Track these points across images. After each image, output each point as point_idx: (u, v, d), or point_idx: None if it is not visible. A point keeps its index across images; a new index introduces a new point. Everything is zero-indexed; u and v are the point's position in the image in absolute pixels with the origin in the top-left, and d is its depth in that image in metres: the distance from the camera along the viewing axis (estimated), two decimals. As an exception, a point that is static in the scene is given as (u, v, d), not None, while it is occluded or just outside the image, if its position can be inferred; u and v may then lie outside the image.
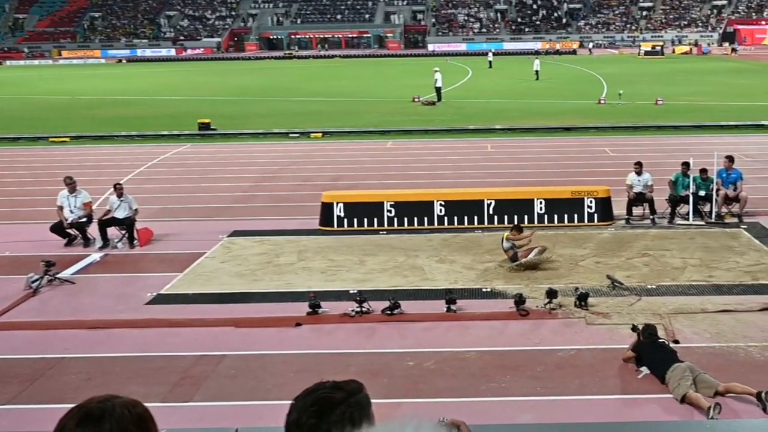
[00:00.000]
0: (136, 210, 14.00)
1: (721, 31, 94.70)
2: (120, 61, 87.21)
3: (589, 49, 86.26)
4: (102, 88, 48.64)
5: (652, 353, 8.23)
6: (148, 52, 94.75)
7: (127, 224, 13.80)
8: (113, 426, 1.83)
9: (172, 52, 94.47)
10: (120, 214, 13.84)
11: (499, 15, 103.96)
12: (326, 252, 13.18)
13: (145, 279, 12.02)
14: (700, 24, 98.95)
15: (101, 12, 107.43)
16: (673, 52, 79.09)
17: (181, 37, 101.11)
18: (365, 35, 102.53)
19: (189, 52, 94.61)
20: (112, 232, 13.92)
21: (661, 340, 8.47)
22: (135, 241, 13.74)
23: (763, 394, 7.40)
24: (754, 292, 10.84)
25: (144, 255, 13.44)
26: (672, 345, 8.53)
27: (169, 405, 7.77)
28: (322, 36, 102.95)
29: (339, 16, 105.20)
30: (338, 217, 14.59)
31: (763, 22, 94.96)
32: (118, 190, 14.01)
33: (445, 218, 14.55)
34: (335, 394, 1.95)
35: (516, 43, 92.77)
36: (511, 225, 12.91)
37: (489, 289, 11.17)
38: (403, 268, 12.25)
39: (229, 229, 14.73)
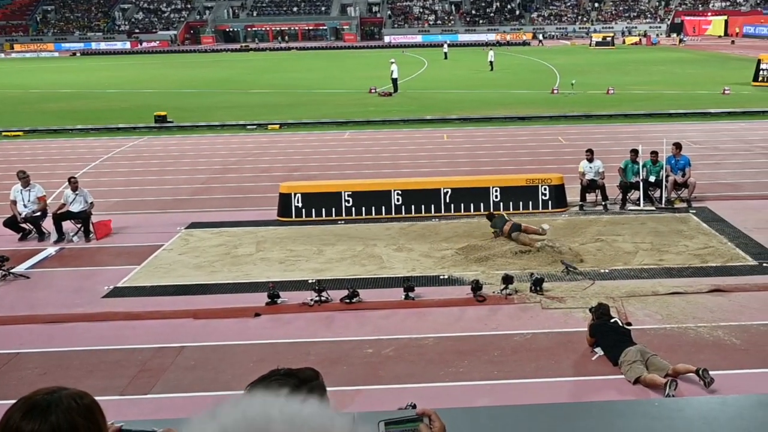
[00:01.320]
0: (91, 203, 13.81)
1: (669, 23, 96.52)
2: (74, 54, 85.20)
3: (539, 41, 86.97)
4: (56, 82, 47.53)
5: (605, 334, 8.44)
6: (103, 45, 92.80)
7: (82, 218, 13.60)
8: (60, 418, 1.81)
9: (127, 45, 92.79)
10: (75, 207, 13.64)
11: (453, 7, 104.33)
12: (284, 242, 13.18)
13: (102, 272, 11.88)
14: (649, 15, 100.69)
15: (54, 5, 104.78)
16: (624, 42, 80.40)
17: (136, 30, 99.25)
18: (321, 27, 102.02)
19: (144, 45, 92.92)
20: (68, 225, 13.72)
21: (613, 320, 8.67)
22: (91, 235, 13.55)
23: (700, 371, 7.64)
24: (704, 274, 11.15)
25: (100, 248, 13.25)
26: (624, 326, 8.74)
27: (127, 398, 7.74)
28: (278, 29, 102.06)
29: (295, 9, 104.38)
30: (296, 207, 14.59)
31: (709, 14, 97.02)
32: (73, 183, 13.77)
33: (403, 207, 14.65)
34: (288, 381, 1.95)
35: (471, 35, 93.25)
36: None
37: (446, 276, 11.31)
38: (361, 257, 12.32)
39: (186, 221, 14.62)
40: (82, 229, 13.63)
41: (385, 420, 1.96)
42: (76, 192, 13.71)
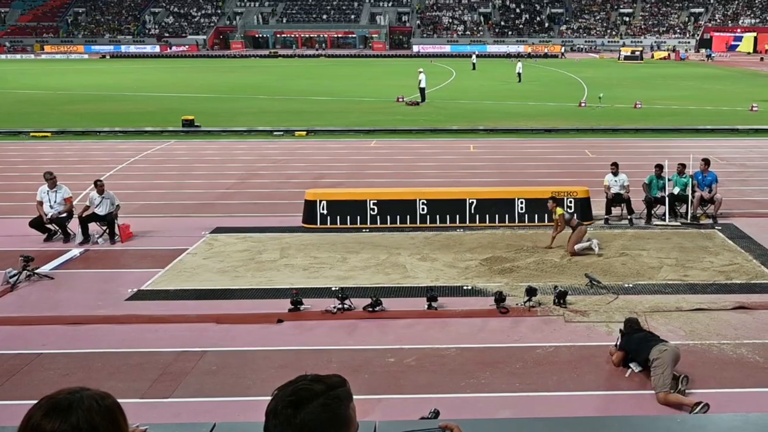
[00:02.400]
0: (117, 206, 13.94)
1: (698, 38, 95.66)
2: (103, 56, 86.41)
3: (562, 53, 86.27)
4: (85, 84, 48.26)
5: (638, 342, 8.27)
6: (132, 49, 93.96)
7: (108, 220, 13.74)
8: (81, 418, 1.81)
9: (157, 49, 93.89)
10: (101, 210, 13.78)
11: (482, 18, 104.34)
12: (309, 249, 13.21)
13: (126, 275, 11.97)
14: (678, 31, 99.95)
15: (85, 7, 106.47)
16: (652, 57, 79.85)
17: (166, 34, 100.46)
18: (351, 35, 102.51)
19: (174, 49, 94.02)
20: (93, 227, 13.87)
21: (644, 332, 8.55)
22: (116, 237, 13.69)
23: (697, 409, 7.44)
24: (728, 291, 11.02)
25: (125, 251, 13.38)
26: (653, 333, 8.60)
27: (148, 401, 7.77)
28: (307, 35, 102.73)
29: (324, 16, 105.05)
30: (321, 214, 14.63)
31: (739, 30, 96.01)
32: (99, 186, 13.91)
33: (428, 217, 14.63)
34: (314, 386, 1.95)
35: (499, 46, 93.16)
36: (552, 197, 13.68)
37: (470, 287, 11.27)
38: (385, 265, 12.31)
39: (211, 225, 14.72)
40: (108, 231, 13.76)
41: (408, 430, 2.02)
42: (102, 195, 13.84)
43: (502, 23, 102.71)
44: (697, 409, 7.29)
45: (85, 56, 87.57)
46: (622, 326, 8.72)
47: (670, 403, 7.60)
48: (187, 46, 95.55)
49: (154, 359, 8.81)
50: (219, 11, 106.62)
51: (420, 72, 37.96)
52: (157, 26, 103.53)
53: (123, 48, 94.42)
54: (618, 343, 8.53)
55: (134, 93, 42.60)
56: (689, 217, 14.90)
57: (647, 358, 7.99)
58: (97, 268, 12.44)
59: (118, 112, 33.43)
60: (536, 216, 14.63)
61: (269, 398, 2.01)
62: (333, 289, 11.00)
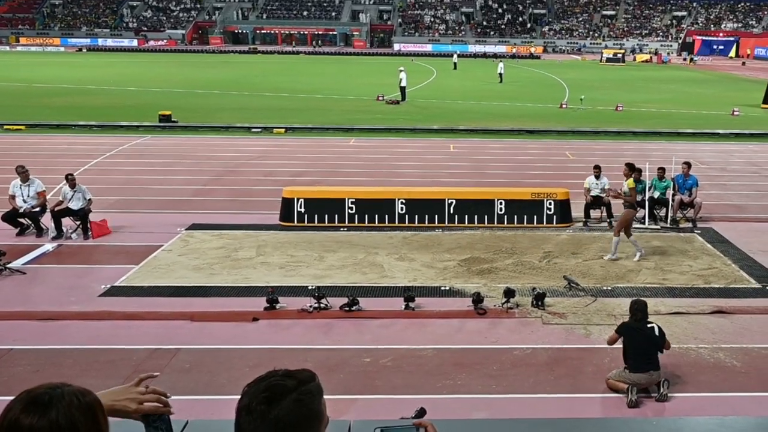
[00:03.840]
0: (89, 200, 13.72)
1: (680, 42, 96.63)
2: (80, 49, 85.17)
3: (529, 54, 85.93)
4: (60, 77, 47.57)
5: (634, 339, 8.01)
6: (110, 42, 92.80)
7: (81, 215, 13.52)
8: (59, 414, 1.78)
9: (134, 43, 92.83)
10: (74, 204, 13.56)
11: (465, 18, 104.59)
12: (285, 247, 13.09)
13: (99, 271, 11.79)
14: (660, 34, 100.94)
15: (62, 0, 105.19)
16: (634, 59, 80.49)
17: (144, 28, 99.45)
18: (331, 32, 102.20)
19: (151, 43, 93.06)
20: (66, 222, 13.65)
21: (650, 325, 8.12)
22: (89, 232, 13.46)
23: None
24: (706, 295, 11.08)
25: (98, 246, 13.17)
26: (660, 333, 8.12)
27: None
28: (287, 32, 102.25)
29: (305, 13, 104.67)
30: (299, 212, 14.51)
31: (721, 34, 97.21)
32: (71, 180, 13.69)
33: (406, 216, 14.56)
34: (287, 382, 1.93)
35: (481, 46, 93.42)
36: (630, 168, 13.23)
37: (447, 288, 11.21)
38: (362, 265, 12.22)
39: (187, 222, 14.54)
40: (81, 226, 13.54)
41: (381, 427, 2.03)
42: (74, 189, 13.64)
43: (485, 23, 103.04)
44: (630, 394, 7.71)
45: (62, 49, 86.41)
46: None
47: (612, 387, 7.98)
48: (165, 41, 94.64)
49: (126, 356, 8.71)
50: (198, 6, 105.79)
51: (401, 71, 37.90)
52: (134, 20, 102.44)
53: (100, 41, 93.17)
54: (618, 326, 8.34)
55: (111, 87, 42.05)
56: (669, 220, 14.99)
57: (633, 370, 7.90)
58: (70, 264, 12.24)
59: (94, 106, 32.98)
60: (515, 217, 14.62)
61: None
62: (309, 287, 10.91)
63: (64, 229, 13.51)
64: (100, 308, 10.19)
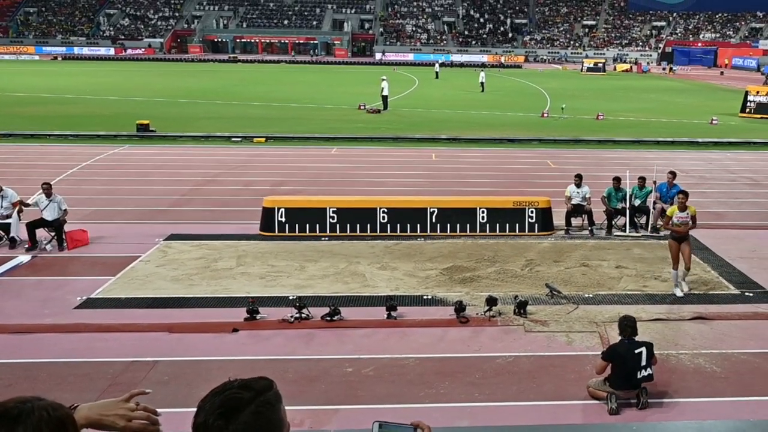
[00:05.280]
0: (65, 211, 13.51)
1: (660, 52, 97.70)
2: (55, 58, 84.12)
3: (500, 63, 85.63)
4: (35, 86, 46.93)
5: (624, 369, 7.84)
6: (86, 51, 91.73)
7: (56, 226, 13.31)
8: (27, 429, 1.72)
9: (111, 52, 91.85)
10: (49, 215, 13.34)
11: (446, 27, 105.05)
12: (266, 257, 12.96)
13: (75, 282, 11.61)
14: (640, 43, 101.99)
15: (36, 7, 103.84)
16: (615, 69, 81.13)
17: (121, 37, 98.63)
18: (312, 41, 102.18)
19: (129, 51, 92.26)
20: (41, 233, 13.42)
21: (638, 351, 7.93)
22: (65, 243, 13.25)
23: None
24: (686, 301, 11.13)
25: (74, 258, 12.96)
26: (649, 349, 8.02)
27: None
28: (268, 41, 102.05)
29: (286, 22, 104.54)
30: (279, 222, 14.39)
31: (699, 44, 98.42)
32: (46, 189, 13.50)
33: (388, 225, 14.49)
34: (243, 394, 1.86)
35: (463, 56, 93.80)
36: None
37: (430, 297, 11.15)
38: (344, 274, 12.13)
39: (165, 232, 14.36)
40: (56, 237, 13.33)
41: (380, 422, 2.04)
42: (50, 198, 13.43)
43: (466, 32, 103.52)
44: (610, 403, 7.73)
45: (36, 57, 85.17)
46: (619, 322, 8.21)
47: (593, 395, 8.01)
48: (143, 49, 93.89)
49: (102, 369, 8.56)
50: (177, 14, 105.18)
51: (383, 80, 37.93)
52: (111, 28, 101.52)
53: (76, 50, 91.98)
54: (606, 351, 8.18)
55: (87, 96, 41.58)
56: (649, 228, 15.05)
57: (621, 388, 7.86)
58: (44, 276, 12.05)
59: (70, 115, 32.57)
60: (497, 225, 14.60)
61: None
62: (290, 298, 10.80)
63: (39, 241, 13.28)
64: (76, 321, 10.01)
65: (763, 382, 8.51)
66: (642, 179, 15.37)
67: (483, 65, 75.78)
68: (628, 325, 8.04)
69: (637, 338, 8.07)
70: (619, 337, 8.13)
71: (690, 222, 11.37)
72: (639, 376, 7.82)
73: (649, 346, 8.03)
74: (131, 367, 8.61)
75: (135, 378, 8.30)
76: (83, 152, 23.70)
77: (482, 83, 49.89)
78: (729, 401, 8.10)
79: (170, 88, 47.79)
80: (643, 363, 7.85)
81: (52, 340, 9.42)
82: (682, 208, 11.34)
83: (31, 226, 13.20)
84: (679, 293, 11.28)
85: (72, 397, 7.61)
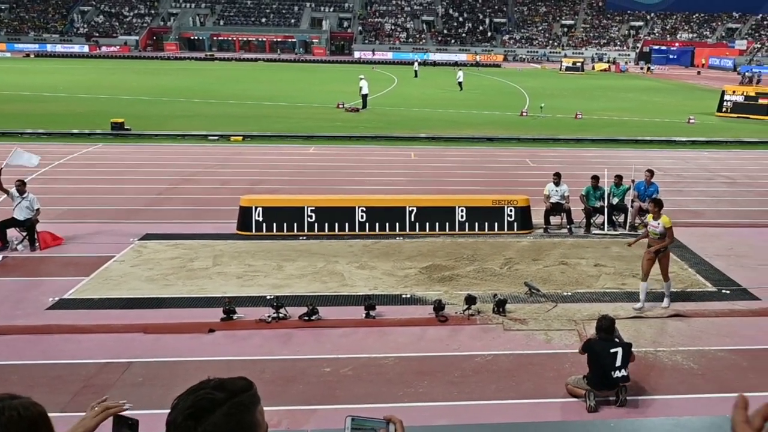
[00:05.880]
0: (37, 210, 13.27)
1: (638, 51, 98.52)
2: (27, 55, 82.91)
3: (476, 62, 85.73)
4: (7, 83, 46.06)
5: (599, 358, 7.87)
6: (59, 48, 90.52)
7: (27, 226, 13.07)
8: None
9: (86, 49, 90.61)
10: (21, 215, 13.10)
11: (425, 26, 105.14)
12: (243, 257, 12.83)
13: (48, 283, 11.40)
14: (618, 43, 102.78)
15: (8, 3, 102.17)
16: (593, 68, 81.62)
17: (96, 34, 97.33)
18: (290, 40, 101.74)
19: (104, 49, 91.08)
20: (12, 233, 13.17)
21: (614, 350, 7.93)
22: (36, 243, 13.02)
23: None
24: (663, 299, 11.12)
25: (47, 258, 12.74)
26: (627, 349, 8.01)
27: (69, 414, 7.30)
28: (245, 39, 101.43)
29: (264, 20, 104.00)
30: (257, 221, 14.25)
31: (677, 44, 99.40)
32: (19, 185, 13.27)
33: (367, 224, 14.41)
34: (216, 395, 1.82)
35: (442, 54, 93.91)
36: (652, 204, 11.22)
37: (408, 296, 11.09)
38: (322, 273, 12.04)
39: (141, 232, 14.18)
40: (27, 237, 13.09)
41: (353, 416, 2.09)
42: (23, 195, 13.18)
43: (445, 31, 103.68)
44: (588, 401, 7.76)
45: (8, 54, 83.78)
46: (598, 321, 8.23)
47: (571, 392, 8.02)
48: (118, 47, 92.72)
49: (76, 371, 8.42)
50: (153, 11, 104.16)
51: (361, 78, 37.82)
52: (86, 25, 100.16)
53: (49, 47, 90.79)
54: (583, 345, 8.22)
55: (60, 94, 40.96)
56: (627, 226, 15.11)
57: (596, 387, 7.86)
58: (16, 276, 11.82)
59: (43, 113, 32.06)
60: (476, 224, 14.58)
61: None
62: (268, 297, 10.70)
63: (10, 240, 13.03)
64: (49, 322, 9.83)
65: (740, 378, 8.56)
66: (618, 177, 15.43)
67: (456, 64, 75.91)
68: (602, 327, 8.05)
69: (616, 339, 8.07)
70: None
71: (664, 236, 10.69)
72: (614, 376, 7.82)
73: (626, 347, 8.03)
74: (105, 369, 8.47)
75: (109, 380, 8.18)
76: (56, 150, 23.32)
77: (460, 82, 49.93)
78: (706, 398, 8.14)
79: (146, 86, 47.30)
80: (618, 364, 7.85)
81: (24, 341, 9.23)
82: (654, 216, 10.87)
83: (2, 226, 12.95)
84: (637, 305, 10.70)
85: (44, 399, 7.43)
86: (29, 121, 29.15)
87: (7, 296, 10.82)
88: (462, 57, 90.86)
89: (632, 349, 8.09)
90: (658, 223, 10.71)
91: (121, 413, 2.35)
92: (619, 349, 7.93)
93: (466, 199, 15.32)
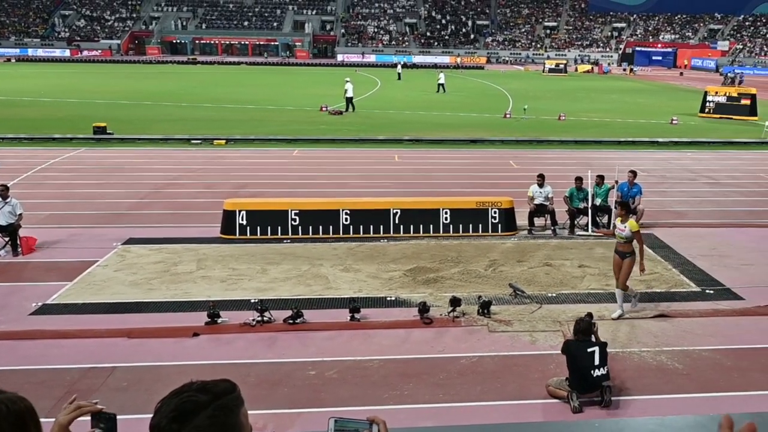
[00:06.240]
0: (20, 215, 13.15)
1: (620, 52, 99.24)
2: (8, 60, 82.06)
3: (460, 66, 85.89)
4: (-12, 88, 45.85)
5: (577, 366, 7.90)
6: (40, 52, 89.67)
7: (10, 231, 12.94)
8: None
9: (67, 53, 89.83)
10: (3, 220, 12.98)
11: (408, 28, 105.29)
12: (227, 260, 12.78)
13: (30, 288, 11.30)
14: (601, 45, 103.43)
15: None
16: (576, 70, 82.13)
17: (77, 38, 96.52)
18: (273, 43, 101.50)
19: (85, 53, 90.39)
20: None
21: (591, 350, 7.96)
22: (19, 249, 12.89)
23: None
24: (648, 299, 11.22)
25: (29, 263, 12.63)
26: (603, 351, 8.02)
27: (53, 420, 7.22)
28: (228, 42, 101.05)
29: (246, 23, 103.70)
30: (240, 225, 14.20)
31: (659, 45, 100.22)
32: (2, 191, 13.14)
33: (351, 227, 14.40)
34: (200, 398, 1.81)
35: (425, 57, 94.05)
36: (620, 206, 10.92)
37: (393, 298, 11.09)
38: (306, 277, 12.01)
39: (124, 236, 14.09)
40: (10, 242, 12.96)
41: (336, 418, 2.10)
42: (6, 200, 13.06)
43: (428, 34, 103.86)
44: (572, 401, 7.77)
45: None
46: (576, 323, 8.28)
47: (552, 394, 8.03)
48: (99, 51, 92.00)
49: (59, 376, 8.37)
50: (134, 15, 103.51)
51: (347, 81, 37.80)
52: (67, 29, 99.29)
53: (30, 51, 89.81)
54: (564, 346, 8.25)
55: (42, 98, 40.59)
56: (611, 227, 15.15)
57: (575, 389, 7.89)
58: (-2, 281, 11.67)
59: (24, 118, 31.74)
60: (461, 226, 14.60)
61: None
62: (252, 301, 10.65)
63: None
64: (32, 327, 9.75)
65: (724, 378, 8.62)
66: (600, 177, 15.51)
67: (435, 66, 76.02)
68: (579, 329, 8.11)
69: (593, 339, 8.11)
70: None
71: (631, 240, 10.36)
72: (594, 375, 7.86)
73: (603, 346, 8.08)
74: (89, 374, 8.41)
75: (93, 385, 8.13)
76: (38, 155, 23.15)
77: (441, 84, 49.77)
78: (690, 397, 8.18)
79: (128, 90, 47.01)
80: (597, 362, 7.90)
81: (6, 347, 9.15)
82: (622, 219, 10.56)
83: (-17, 231, 12.83)
84: (614, 315, 10.41)
85: (26, 406, 7.39)
86: (10, 126, 28.85)
87: (-12, 302, 10.71)
88: (445, 59, 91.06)
89: (607, 351, 8.12)
90: (625, 227, 10.39)
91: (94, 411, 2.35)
92: (596, 348, 7.98)
93: (450, 201, 15.34)
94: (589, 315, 8.90)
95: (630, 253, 10.41)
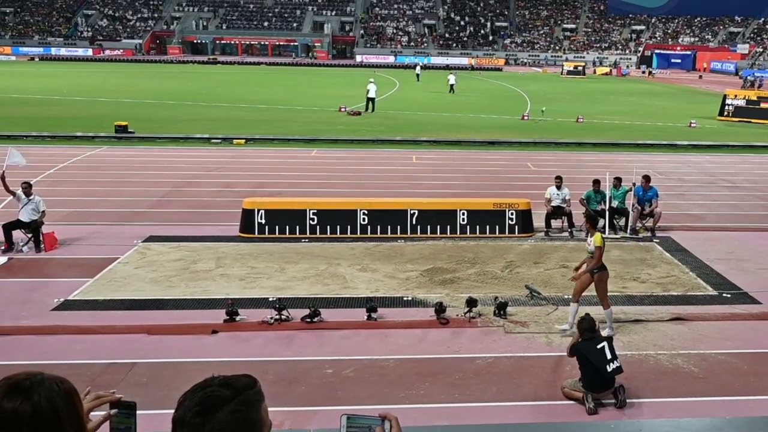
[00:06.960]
0: (43, 212, 13.36)
1: (639, 55, 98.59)
2: (32, 59, 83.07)
3: (474, 67, 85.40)
4: (11, 87, 46.26)
5: (588, 361, 7.94)
6: (63, 51, 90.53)
7: (33, 227, 13.15)
8: (41, 398, 1.84)
9: (89, 53, 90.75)
10: (25, 216, 13.19)
11: (427, 30, 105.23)
12: (246, 259, 12.90)
13: (52, 284, 11.48)
14: (620, 47, 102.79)
15: (13, 7, 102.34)
16: (594, 72, 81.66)
17: (99, 38, 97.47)
18: (293, 43, 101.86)
19: (107, 53, 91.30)
20: (17, 235, 13.25)
21: (600, 345, 8.01)
22: (41, 245, 13.10)
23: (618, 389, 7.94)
24: (665, 302, 11.22)
25: (51, 260, 12.83)
26: (612, 348, 8.04)
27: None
28: (248, 42, 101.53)
29: (266, 23, 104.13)
30: (259, 224, 14.32)
31: (678, 48, 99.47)
32: (25, 188, 13.37)
33: (369, 227, 14.48)
34: (223, 393, 1.85)
35: (444, 58, 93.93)
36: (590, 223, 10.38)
37: (410, 298, 11.15)
38: (324, 276, 12.10)
39: (144, 234, 14.26)
40: (33, 239, 13.17)
41: (348, 414, 2.12)
42: (30, 197, 13.27)
43: (447, 35, 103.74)
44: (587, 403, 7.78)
45: (13, 58, 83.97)
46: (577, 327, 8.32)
47: (568, 396, 8.07)
48: (121, 50, 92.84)
49: (81, 371, 8.44)
50: (156, 15, 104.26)
51: (370, 81, 37.89)
52: (89, 29, 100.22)
53: (53, 50, 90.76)
54: (570, 347, 8.32)
55: (64, 97, 41.05)
56: (628, 230, 15.16)
57: (589, 389, 7.91)
58: (21, 277, 11.89)
59: (47, 117, 32.12)
60: (478, 227, 14.64)
61: None
62: (270, 299, 10.75)
63: (15, 242, 13.11)
64: (53, 323, 9.91)
65: (740, 381, 8.60)
66: (617, 179, 15.50)
67: (448, 67, 75.91)
68: (583, 328, 8.14)
69: (596, 336, 8.17)
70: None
71: (594, 254, 9.82)
72: (609, 369, 7.89)
73: (609, 340, 8.14)
74: (109, 369, 8.53)
75: (114, 380, 8.22)
76: (61, 153, 23.45)
77: (452, 85, 49.76)
78: (707, 401, 8.19)
79: (149, 89, 47.42)
80: (609, 356, 7.94)
81: (29, 342, 9.31)
82: (589, 233, 10.11)
83: (7, 228, 13.04)
84: (565, 326, 9.94)
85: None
86: (33, 124, 29.21)
87: (12, 297, 10.90)
88: (464, 61, 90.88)
89: (638, 353, 8.16)
90: (590, 241, 9.92)
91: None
92: (605, 343, 8.04)
93: (468, 202, 15.38)
94: (587, 314, 8.94)
95: (600, 268, 9.87)
